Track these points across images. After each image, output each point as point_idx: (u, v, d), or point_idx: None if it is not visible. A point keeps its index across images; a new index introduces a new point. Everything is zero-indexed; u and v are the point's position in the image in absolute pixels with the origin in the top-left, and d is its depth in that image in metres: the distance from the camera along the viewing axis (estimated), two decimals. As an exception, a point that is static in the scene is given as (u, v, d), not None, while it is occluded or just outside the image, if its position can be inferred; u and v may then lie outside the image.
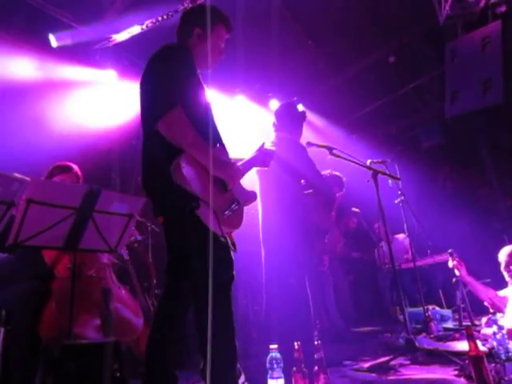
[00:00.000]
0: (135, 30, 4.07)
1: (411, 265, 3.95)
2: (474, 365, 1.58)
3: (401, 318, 3.25)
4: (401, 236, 5.00)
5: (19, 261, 2.39)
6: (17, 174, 1.89)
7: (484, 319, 2.98)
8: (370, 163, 3.25)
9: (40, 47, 3.87)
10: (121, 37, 4.16)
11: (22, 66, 3.73)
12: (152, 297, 3.47)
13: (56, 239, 1.99)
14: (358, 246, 5.32)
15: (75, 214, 1.97)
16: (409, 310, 3.82)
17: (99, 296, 2.29)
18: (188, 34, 1.88)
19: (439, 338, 3.06)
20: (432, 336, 3.15)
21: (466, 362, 1.65)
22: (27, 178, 1.94)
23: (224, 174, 1.67)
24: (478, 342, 1.66)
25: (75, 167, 2.60)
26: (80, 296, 2.18)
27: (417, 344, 2.60)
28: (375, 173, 3.18)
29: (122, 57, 4.51)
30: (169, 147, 1.57)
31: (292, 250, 2.60)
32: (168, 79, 1.61)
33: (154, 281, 3.55)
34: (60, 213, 1.93)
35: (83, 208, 1.99)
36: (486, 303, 3.14)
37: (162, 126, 1.55)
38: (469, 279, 3.31)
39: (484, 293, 3.15)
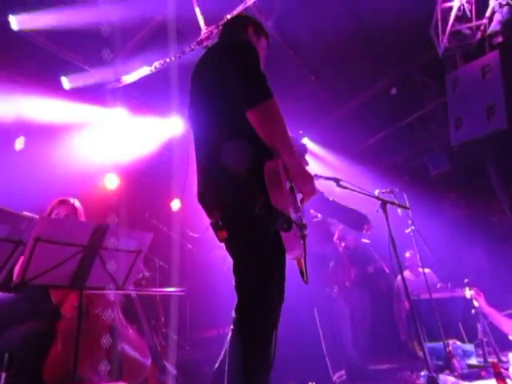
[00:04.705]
0: (144, 71, 4.23)
1: (428, 296, 3.81)
2: (505, 406, 1.47)
3: (420, 353, 3.09)
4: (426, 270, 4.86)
5: (24, 300, 2.35)
6: (26, 213, 1.90)
7: (511, 355, 2.81)
8: (379, 193, 3.22)
9: (53, 89, 4.03)
10: (130, 78, 4.32)
11: (34, 108, 3.87)
12: (160, 335, 3.37)
13: (63, 278, 1.96)
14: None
15: (82, 251, 1.95)
16: (428, 344, 3.64)
17: (106, 336, 2.23)
18: (242, 30, 1.81)
19: (464, 376, 2.89)
20: (456, 374, 2.97)
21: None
22: (36, 217, 1.95)
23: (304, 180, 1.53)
24: (508, 382, 1.55)
25: (73, 200, 2.63)
26: (86, 336, 2.12)
27: (440, 383, 2.46)
28: (384, 203, 3.14)
29: (131, 95, 4.67)
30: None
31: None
32: (256, 69, 1.51)
33: (162, 319, 3.46)
34: (67, 250, 1.92)
35: (90, 245, 1.97)
36: (510, 337, 2.98)
37: (257, 113, 1.43)
38: (489, 310, 3.18)
39: (507, 325, 3.00)
